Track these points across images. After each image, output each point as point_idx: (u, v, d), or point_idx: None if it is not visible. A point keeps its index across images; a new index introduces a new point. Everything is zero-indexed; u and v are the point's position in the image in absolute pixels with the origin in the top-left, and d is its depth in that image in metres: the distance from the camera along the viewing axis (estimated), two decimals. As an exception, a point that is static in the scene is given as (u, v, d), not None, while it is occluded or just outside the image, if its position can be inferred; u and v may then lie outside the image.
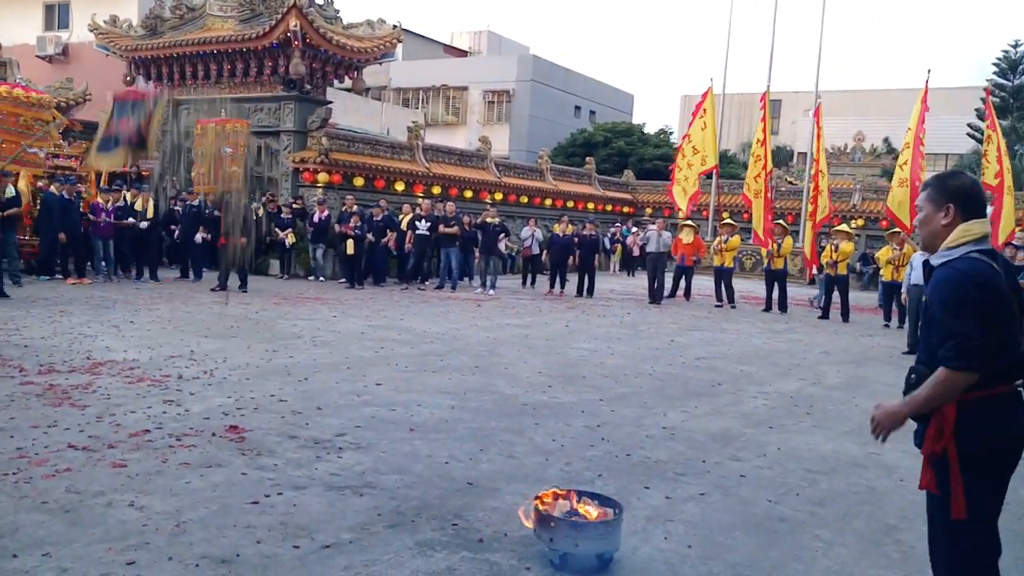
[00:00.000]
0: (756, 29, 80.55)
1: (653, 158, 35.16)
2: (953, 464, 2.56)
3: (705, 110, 18.55)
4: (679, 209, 19.54)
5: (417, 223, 16.35)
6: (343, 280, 16.26)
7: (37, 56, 24.40)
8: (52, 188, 13.71)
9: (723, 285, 16.16)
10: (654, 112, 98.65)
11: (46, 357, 7.25)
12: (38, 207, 13.80)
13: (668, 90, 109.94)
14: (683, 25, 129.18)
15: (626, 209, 29.86)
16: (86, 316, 9.88)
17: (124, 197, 14.76)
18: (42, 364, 6.94)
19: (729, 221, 17.77)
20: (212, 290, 13.55)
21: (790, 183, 29.38)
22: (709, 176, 22.61)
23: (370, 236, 15.93)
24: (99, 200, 14.30)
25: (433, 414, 6.04)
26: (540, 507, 3.66)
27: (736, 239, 16.59)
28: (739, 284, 18.08)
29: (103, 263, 14.32)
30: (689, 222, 17.61)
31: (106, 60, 20.97)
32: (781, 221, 17.34)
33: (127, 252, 14.83)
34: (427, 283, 16.89)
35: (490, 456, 5.07)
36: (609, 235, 24.89)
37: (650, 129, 40.65)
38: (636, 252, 23.74)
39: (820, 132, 19.36)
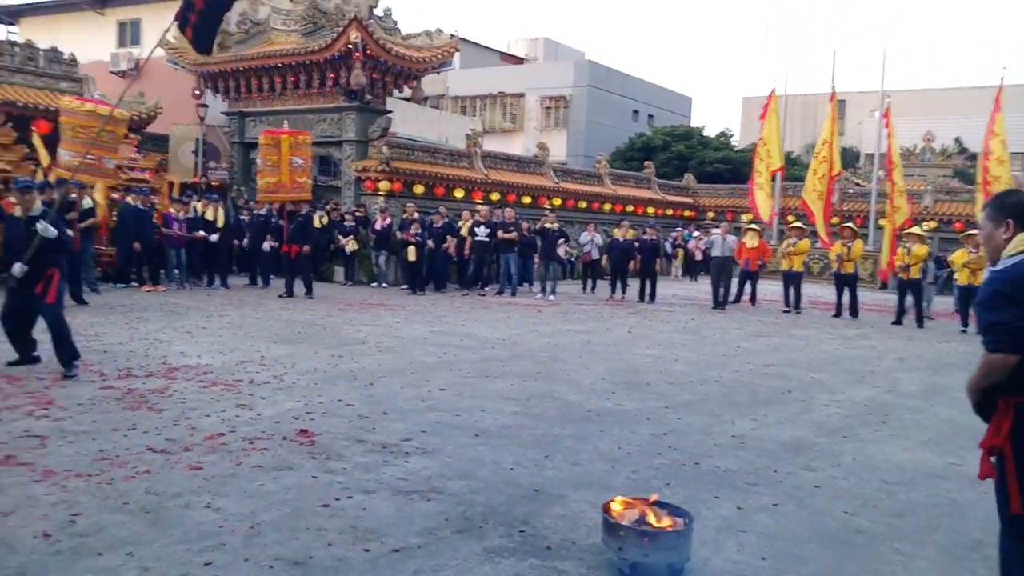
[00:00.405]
0: (818, 28, 78.90)
1: (714, 161, 34.71)
2: (1009, 462, 2.79)
3: (770, 111, 18.23)
4: (758, 215, 19.21)
5: (476, 229, 16.44)
6: (405, 286, 16.43)
7: (111, 72, 25.24)
8: (128, 199, 14.16)
9: (791, 290, 15.87)
10: (714, 115, 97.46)
11: (124, 362, 7.49)
12: (115, 218, 14.28)
13: (728, 92, 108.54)
14: (742, 26, 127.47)
15: (687, 213, 29.53)
16: (161, 322, 10.18)
17: (194, 207, 15.17)
18: (120, 369, 7.17)
19: (798, 224, 17.40)
20: (280, 296, 13.83)
21: (857, 184, 28.71)
22: (773, 178, 22.21)
23: (430, 243, 16.08)
24: (171, 210, 14.72)
25: (497, 420, 6.05)
26: (608, 515, 3.63)
27: (806, 242, 16.25)
28: (808, 289, 17.70)
29: (176, 271, 14.74)
30: (754, 225, 17.32)
31: (176, 74, 21.58)
32: (851, 224, 16.91)
33: (198, 261, 15.24)
34: (487, 289, 16.95)
35: (555, 463, 5.05)
36: (670, 239, 24.65)
37: (710, 132, 40.19)
38: (699, 256, 23.48)
39: (891, 131, 18.87)
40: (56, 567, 3.25)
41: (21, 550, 3.37)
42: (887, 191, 18.79)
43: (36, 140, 14.11)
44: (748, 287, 16.92)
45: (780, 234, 26.33)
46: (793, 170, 32.21)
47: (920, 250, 14.35)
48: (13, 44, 17.91)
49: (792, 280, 15.93)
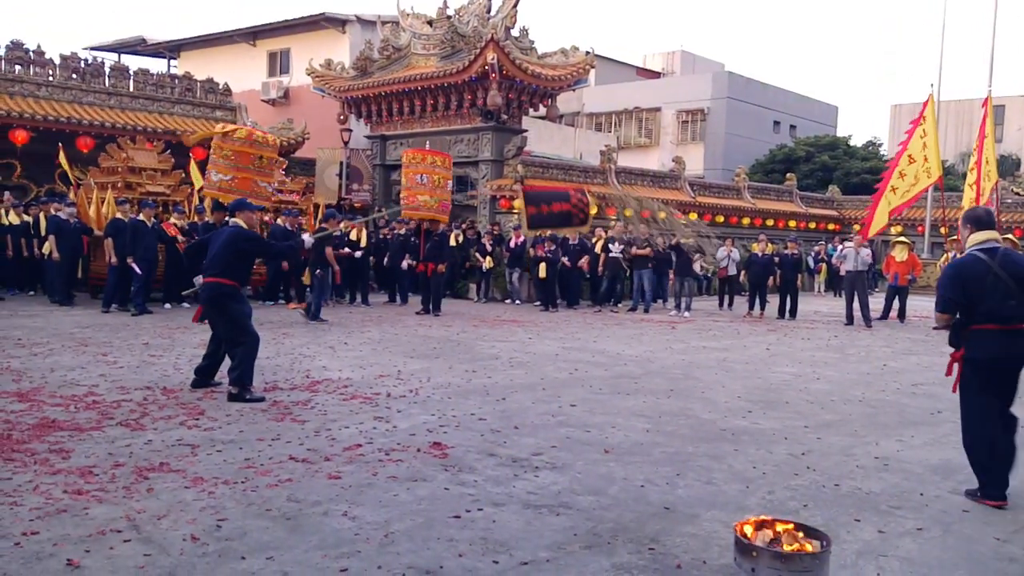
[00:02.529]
0: (972, 31, 74.15)
1: (861, 172, 33.16)
2: (959, 365, 4.93)
3: (925, 118, 17.12)
4: (866, 227, 18.05)
5: (610, 246, 16.38)
6: (538, 303, 16.56)
7: (262, 100, 26.88)
8: (279, 221, 15.01)
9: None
10: (861, 124, 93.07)
11: (271, 376, 7.92)
12: (266, 238, 15.15)
13: (876, 100, 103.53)
14: (891, 31, 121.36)
15: (831, 226, 28.33)
16: (305, 338, 10.70)
17: (339, 228, 15.85)
18: (267, 382, 7.59)
19: (957, 237, 16.31)
20: (416, 313, 14.26)
21: (1016, 194, 26.66)
22: (935, 188, 20.88)
23: (564, 260, 16.15)
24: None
25: (628, 436, 5.99)
26: (741, 535, 3.51)
27: (964, 256, 15.21)
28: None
29: (320, 289, 15.43)
30: (902, 238, 16.42)
31: (322, 101, 22.74)
32: (1011, 236, 15.72)
33: (341, 279, 15.91)
34: (620, 305, 16.83)
35: (687, 481, 4.95)
36: (813, 254, 23.72)
37: (856, 141, 38.43)
38: (843, 271, 22.44)
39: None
40: (203, 569, 3.46)
41: (172, 552, 3.61)
42: None
43: (193, 166, 15.21)
44: (896, 303, 16.01)
45: (931, 248, 24.88)
46: (947, 180, 30.27)
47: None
48: (173, 77, 19.40)
49: None
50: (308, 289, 15.68)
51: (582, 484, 4.80)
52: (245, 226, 7.20)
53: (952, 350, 4.99)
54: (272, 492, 4.45)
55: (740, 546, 3.49)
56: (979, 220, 5.01)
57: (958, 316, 4.89)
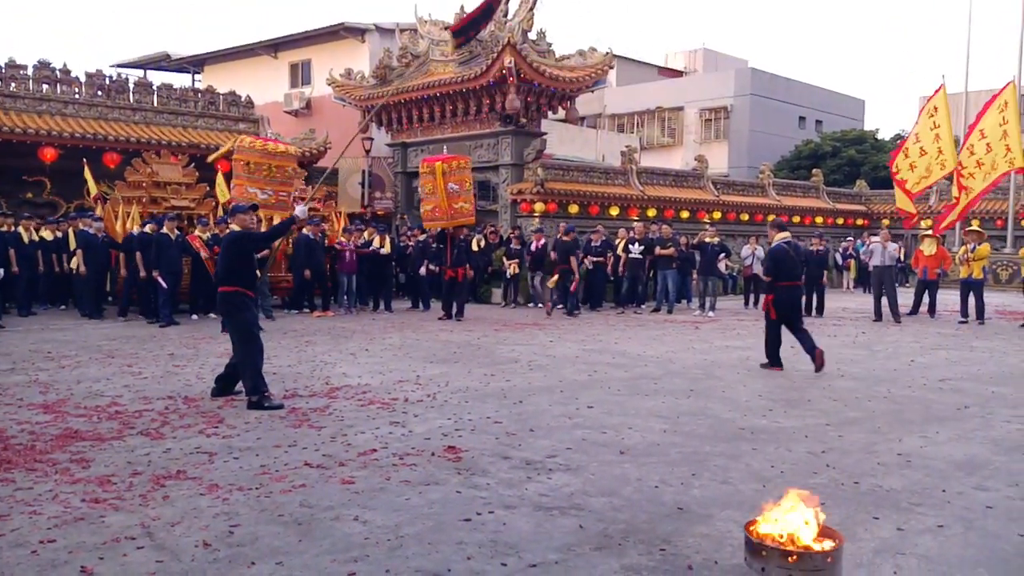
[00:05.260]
0: (1003, 19, 72.82)
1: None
2: (771, 308, 9.17)
3: (936, 108, 16.80)
4: (909, 215, 17.90)
5: (630, 246, 16.29)
6: (560, 306, 16.50)
7: (284, 111, 27.14)
8: (304, 230, 15.13)
9: (971, 299, 14.66)
10: (889, 117, 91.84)
11: (291, 383, 7.98)
12: (291, 247, 15.32)
13: (904, 92, 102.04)
14: (919, 21, 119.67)
15: (859, 222, 27.99)
16: (327, 345, 10.77)
17: (363, 235, 16.00)
18: (287, 389, 7.64)
19: (976, 228, 16.05)
20: (439, 319, 14.29)
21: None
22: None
23: (586, 262, 16.08)
24: (343, 239, 15.61)
25: (644, 437, 5.95)
26: (751, 534, 3.47)
27: (985, 247, 14.95)
28: (992, 298, 16.26)
29: (345, 297, 15.57)
30: (931, 232, 16.16)
31: (343, 110, 22.92)
32: (975, 226, 15.50)
33: (365, 286, 16.03)
34: (643, 307, 16.73)
35: (703, 481, 4.90)
36: (841, 250, 23.44)
37: (884, 135, 37.90)
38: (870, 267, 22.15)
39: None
40: (213, 574, 3.48)
41: (183, 558, 3.65)
42: None
43: (219, 179, 15.39)
44: (926, 297, 15.77)
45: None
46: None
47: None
48: (196, 91, 19.65)
49: (971, 289, 14.70)
50: (333, 298, 15.82)
51: (595, 485, 4.77)
52: (240, 229, 7.37)
53: (766, 294, 9.37)
54: (285, 498, 4.48)
55: (750, 545, 3.44)
56: (782, 226, 9.50)
57: (771, 278, 9.20)
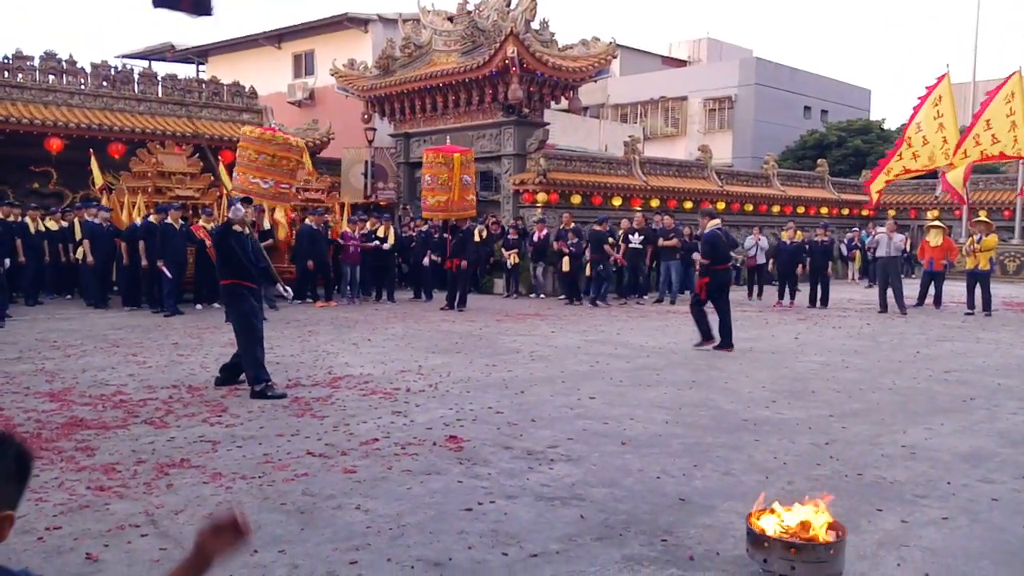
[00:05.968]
0: (1011, 8, 72.26)
1: (894, 156, 32.56)
2: (702, 291, 9.93)
3: (941, 97, 16.63)
4: (872, 200, 17.95)
5: (630, 236, 16.26)
6: (563, 296, 16.51)
7: (288, 102, 27.09)
8: (307, 220, 15.16)
9: (977, 290, 14.63)
10: (895, 106, 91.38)
11: (294, 372, 8.00)
12: (295, 237, 15.33)
13: (911, 82, 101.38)
14: (926, 9, 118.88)
15: (865, 212, 27.87)
16: (330, 335, 10.78)
17: (366, 226, 16.00)
18: (290, 379, 7.66)
19: (984, 219, 15.98)
20: (441, 309, 14.30)
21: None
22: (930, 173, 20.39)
23: (587, 254, 16.06)
24: (347, 230, 15.62)
25: (646, 428, 5.95)
26: (753, 526, 3.47)
27: (992, 238, 14.90)
28: (1000, 289, 16.20)
29: (348, 287, 15.59)
30: (937, 223, 16.11)
31: (346, 101, 22.86)
32: (983, 217, 15.45)
33: (368, 277, 16.05)
34: (646, 297, 16.72)
35: (704, 472, 4.90)
36: (846, 240, 23.36)
37: (891, 125, 37.73)
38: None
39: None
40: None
41: (187, 546, 3.64)
42: None
43: (222, 169, 15.38)
44: (932, 288, 15.73)
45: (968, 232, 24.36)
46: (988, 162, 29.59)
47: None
48: (200, 82, 19.62)
49: (978, 280, 14.66)
50: (336, 288, 15.84)
51: (597, 476, 4.78)
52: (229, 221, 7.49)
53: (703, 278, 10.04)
54: (288, 487, 4.49)
55: (752, 536, 3.45)
56: (713, 214, 10.44)
57: (707, 261, 9.95)
